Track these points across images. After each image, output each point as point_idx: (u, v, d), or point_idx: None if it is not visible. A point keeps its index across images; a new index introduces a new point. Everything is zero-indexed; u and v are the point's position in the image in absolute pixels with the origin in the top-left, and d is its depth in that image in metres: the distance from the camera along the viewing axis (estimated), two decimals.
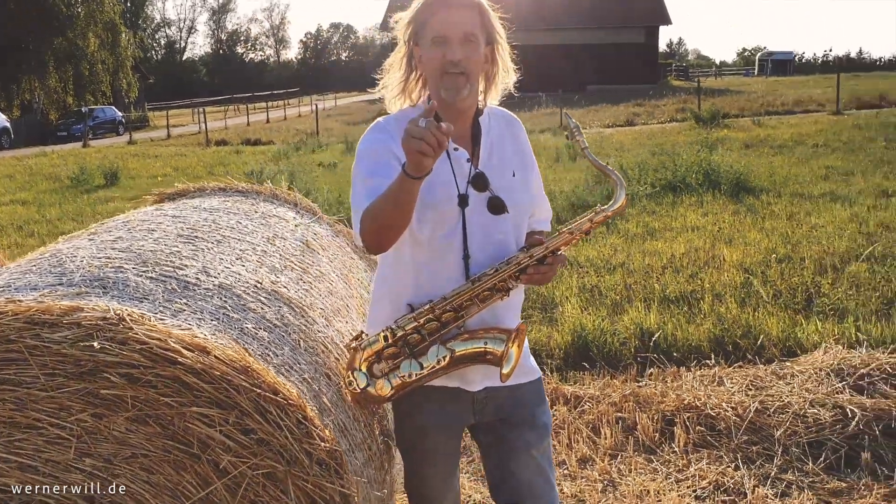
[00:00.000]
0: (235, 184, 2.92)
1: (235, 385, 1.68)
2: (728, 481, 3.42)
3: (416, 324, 1.97)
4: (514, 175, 2.11)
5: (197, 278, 1.99)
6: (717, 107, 23.54)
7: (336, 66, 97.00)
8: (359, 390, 1.99)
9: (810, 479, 3.43)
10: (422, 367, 1.97)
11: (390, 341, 1.98)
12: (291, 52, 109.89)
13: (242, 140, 25.91)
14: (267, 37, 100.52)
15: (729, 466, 3.54)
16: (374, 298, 2.15)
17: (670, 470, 3.59)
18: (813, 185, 10.82)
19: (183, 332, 1.72)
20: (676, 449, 3.74)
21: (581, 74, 44.61)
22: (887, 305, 5.56)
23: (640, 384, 4.44)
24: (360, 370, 1.99)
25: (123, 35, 40.74)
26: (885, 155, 13.48)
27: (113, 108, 38.37)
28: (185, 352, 1.65)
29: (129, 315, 1.71)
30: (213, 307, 1.91)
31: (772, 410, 3.88)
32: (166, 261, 2.04)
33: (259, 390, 1.69)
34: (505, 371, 1.97)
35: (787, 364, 4.48)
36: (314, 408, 1.81)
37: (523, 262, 1.99)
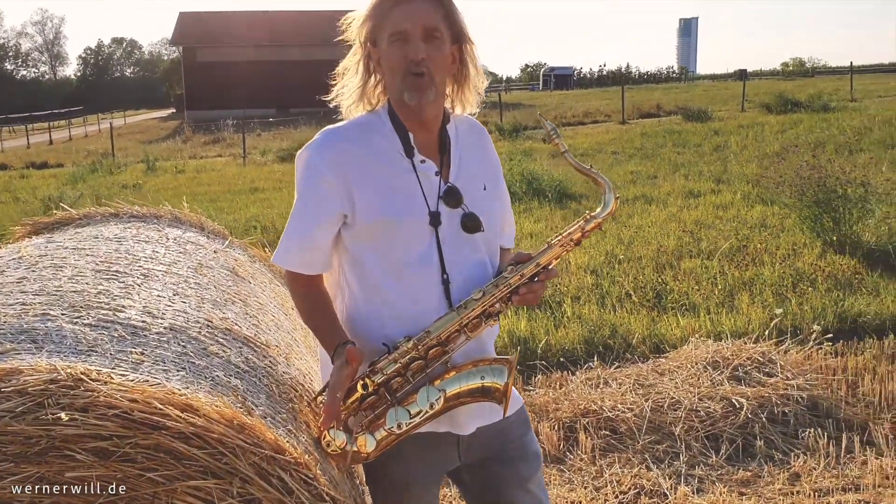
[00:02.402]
0: (128, 208, 2.53)
1: (233, 447, 1.39)
2: (646, 483, 3.44)
3: (398, 365, 1.73)
4: (484, 188, 1.94)
5: (143, 321, 1.66)
6: (517, 120, 24.53)
7: (121, 83, 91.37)
8: (339, 451, 1.71)
9: (718, 472, 3.53)
10: (411, 416, 1.72)
11: (370, 389, 1.73)
12: (70, 69, 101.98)
13: (26, 164, 23.58)
14: (40, 52, 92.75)
15: (641, 468, 3.57)
16: None
17: (585, 478, 3.56)
18: (625, 190, 11.47)
19: (156, 388, 1.40)
20: (584, 456, 3.72)
21: None
22: (730, 297, 5.94)
23: (530, 392, 4.41)
24: (337, 428, 1.71)
25: None
26: (677, 159, 14.61)
27: None
28: (171, 413, 1.34)
29: (84, 373, 1.37)
30: (174, 354, 1.58)
31: (665, 407, 3.97)
32: (98, 303, 1.68)
33: (262, 450, 1.41)
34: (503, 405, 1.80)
35: (662, 361, 4.63)
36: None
37: (514, 283, 1.82)
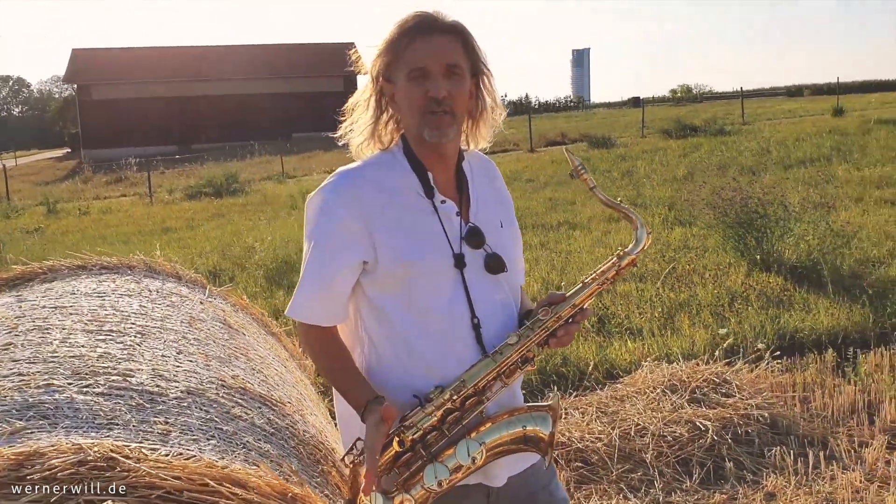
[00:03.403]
0: (98, 259, 2.33)
1: None
2: None
3: (433, 419, 1.63)
4: (501, 226, 1.88)
5: (157, 386, 1.50)
6: None
7: (8, 123, 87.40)
8: None
9: (694, 498, 3.52)
10: (450, 472, 1.61)
11: (407, 446, 1.62)
12: None
13: None
14: None
15: (619, 498, 3.53)
16: None
17: None
18: (547, 216, 11.64)
19: (196, 463, 1.26)
20: None
21: (287, 122, 44.57)
22: (670, 319, 6.04)
23: None
24: (376, 490, 1.59)
25: None
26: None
27: None
28: (222, 490, 1.20)
29: (114, 451, 1.22)
30: (199, 421, 1.44)
31: (633, 434, 3.96)
32: (104, 368, 1.52)
33: None
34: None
35: (619, 386, 4.64)
36: None
37: (551, 326, 1.75)
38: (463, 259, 1.75)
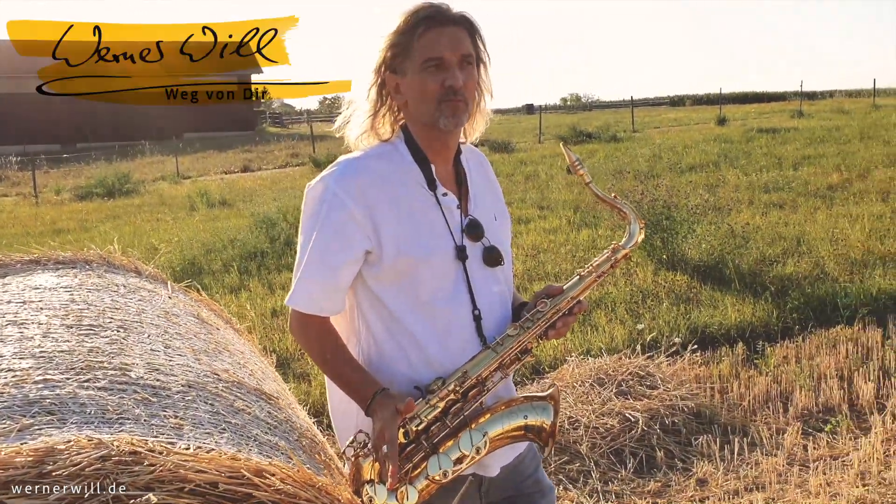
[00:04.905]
0: (53, 253, 2.21)
1: None
2: None
3: (437, 410, 1.64)
4: (495, 219, 1.90)
5: (157, 380, 1.44)
6: (331, 151, 24.45)
7: None
8: None
9: (631, 486, 3.64)
10: (454, 462, 1.62)
11: (411, 438, 1.62)
12: None
13: None
14: None
15: (560, 489, 3.61)
16: None
17: None
18: None
19: (222, 456, 1.22)
20: None
21: (178, 122, 43.11)
22: (587, 316, 6.21)
23: None
24: (375, 482, 1.58)
25: None
26: None
27: None
28: (256, 481, 1.17)
29: (135, 444, 1.17)
30: (208, 415, 1.39)
31: (567, 427, 4.06)
32: (98, 362, 1.44)
33: None
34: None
35: (547, 381, 4.74)
36: None
37: (551, 317, 1.78)
38: (465, 251, 1.76)
